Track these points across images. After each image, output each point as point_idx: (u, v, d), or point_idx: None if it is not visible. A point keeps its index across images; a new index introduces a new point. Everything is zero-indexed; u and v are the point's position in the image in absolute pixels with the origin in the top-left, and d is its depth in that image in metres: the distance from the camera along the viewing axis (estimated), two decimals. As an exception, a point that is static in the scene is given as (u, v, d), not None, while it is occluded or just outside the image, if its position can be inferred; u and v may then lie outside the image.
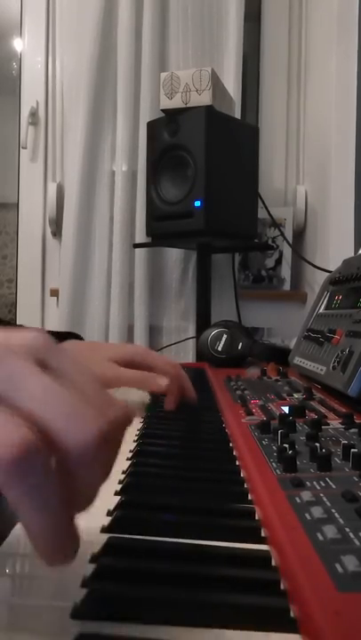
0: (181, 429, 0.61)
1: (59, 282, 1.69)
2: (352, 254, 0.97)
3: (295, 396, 0.70)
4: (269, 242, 1.72)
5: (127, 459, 0.49)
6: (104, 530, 0.35)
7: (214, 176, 1.29)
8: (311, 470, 0.40)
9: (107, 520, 0.36)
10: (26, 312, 1.83)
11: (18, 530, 0.35)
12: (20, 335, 0.26)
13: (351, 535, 0.29)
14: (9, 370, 0.23)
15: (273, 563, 0.30)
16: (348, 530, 0.30)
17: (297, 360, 0.86)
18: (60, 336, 0.80)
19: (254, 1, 1.78)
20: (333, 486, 0.37)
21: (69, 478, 0.23)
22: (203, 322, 1.43)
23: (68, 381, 0.25)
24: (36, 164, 1.83)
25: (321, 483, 0.37)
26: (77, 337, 0.83)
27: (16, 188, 1.85)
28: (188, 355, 1.63)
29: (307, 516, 0.32)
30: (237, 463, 0.47)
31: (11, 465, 0.21)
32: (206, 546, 0.32)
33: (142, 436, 0.56)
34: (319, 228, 1.62)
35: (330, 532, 0.30)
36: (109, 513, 0.37)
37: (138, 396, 0.76)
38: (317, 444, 0.44)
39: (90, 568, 0.30)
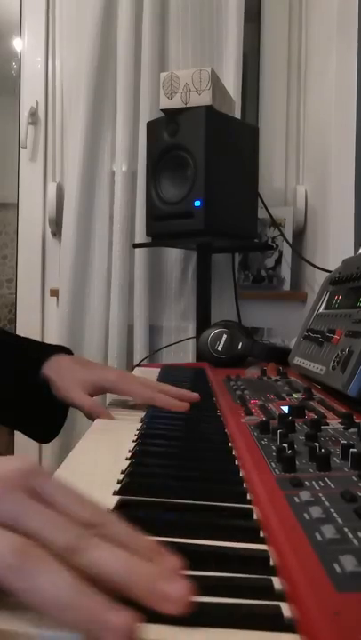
0: (181, 429, 0.61)
1: (58, 282, 1.69)
2: (352, 254, 0.97)
3: (295, 395, 0.70)
4: (269, 242, 1.72)
5: (126, 459, 0.49)
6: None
7: (214, 176, 1.29)
8: (310, 470, 0.40)
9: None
10: (26, 312, 1.83)
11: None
12: (7, 464, 0.30)
13: (350, 535, 0.29)
14: (10, 505, 0.28)
15: (271, 562, 0.30)
16: (346, 530, 0.30)
17: (297, 360, 0.86)
18: (50, 349, 0.83)
19: (254, 1, 1.78)
20: (332, 486, 0.37)
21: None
22: (203, 322, 1.43)
23: (58, 504, 0.30)
24: (35, 163, 1.83)
25: (320, 482, 0.37)
26: (66, 350, 0.85)
27: (16, 187, 1.85)
28: (187, 355, 1.63)
29: (305, 515, 0.32)
30: (236, 463, 0.47)
31: (9, 567, 0.25)
32: (205, 545, 0.32)
33: (142, 436, 0.56)
34: (319, 228, 1.62)
35: (328, 531, 0.30)
36: (108, 513, 0.37)
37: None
38: (317, 444, 0.44)
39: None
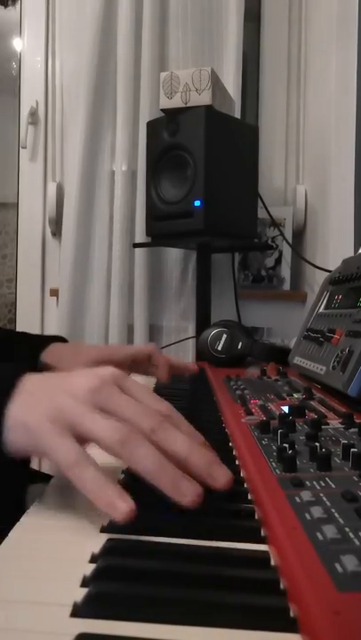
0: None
1: (58, 281, 1.69)
2: (352, 254, 0.97)
3: (295, 395, 0.70)
4: (269, 242, 1.72)
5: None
6: (104, 530, 0.35)
7: (214, 176, 1.29)
8: (311, 470, 0.40)
9: (106, 520, 0.36)
10: (26, 312, 1.83)
11: (17, 531, 0.35)
12: (103, 369, 0.43)
13: (351, 535, 0.29)
14: (107, 395, 0.40)
15: (272, 562, 0.30)
16: (347, 530, 0.30)
17: (297, 360, 0.86)
18: (46, 339, 0.84)
19: (254, 1, 1.78)
20: (333, 486, 0.37)
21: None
22: (202, 321, 1.43)
23: (136, 397, 0.42)
24: (35, 163, 1.83)
25: (321, 482, 0.37)
26: (62, 340, 0.86)
27: (16, 187, 1.85)
28: (187, 354, 1.63)
29: (306, 515, 0.32)
30: (237, 463, 0.47)
31: (125, 441, 0.37)
32: (206, 546, 0.32)
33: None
34: (319, 228, 1.62)
35: (330, 531, 0.30)
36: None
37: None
38: (317, 444, 0.44)
39: (90, 568, 0.30)
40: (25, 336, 0.91)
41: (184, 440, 0.39)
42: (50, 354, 0.79)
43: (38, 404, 0.40)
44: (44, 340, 0.82)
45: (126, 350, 0.80)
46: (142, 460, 0.37)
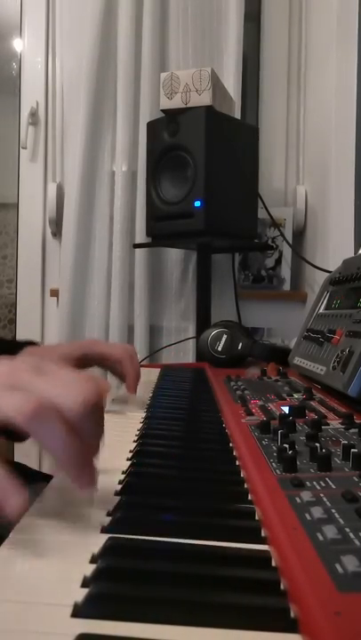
0: (181, 429, 0.61)
1: (59, 282, 1.69)
2: (352, 254, 0.97)
3: (295, 396, 0.70)
4: (269, 242, 1.72)
5: (127, 459, 0.49)
6: (104, 530, 0.35)
7: (214, 176, 1.29)
8: (311, 470, 0.40)
9: (107, 520, 0.36)
10: (26, 312, 1.83)
11: (17, 532, 0.35)
12: (22, 358, 0.41)
13: (351, 535, 0.29)
14: (19, 377, 0.38)
15: (273, 563, 0.30)
16: (348, 530, 0.30)
17: (297, 360, 0.86)
18: (18, 344, 0.82)
19: (254, 1, 1.78)
20: (333, 486, 0.37)
21: (78, 432, 0.36)
22: (203, 322, 1.43)
23: (56, 376, 0.39)
24: (35, 164, 1.82)
25: (321, 483, 0.37)
26: (34, 344, 0.85)
27: (16, 188, 1.85)
28: (188, 355, 1.63)
29: (307, 516, 0.32)
30: (237, 463, 0.47)
31: (33, 414, 0.34)
32: (206, 546, 0.32)
33: (142, 437, 0.56)
34: (319, 229, 1.62)
35: (330, 532, 0.30)
36: (109, 513, 0.37)
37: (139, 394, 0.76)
38: (317, 445, 0.44)
39: (90, 568, 0.30)
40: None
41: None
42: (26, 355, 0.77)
43: None
44: (16, 345, 0.81)
45: (101, 348, 0.78)
46: (50, 439, 0.35)
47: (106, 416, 0.64)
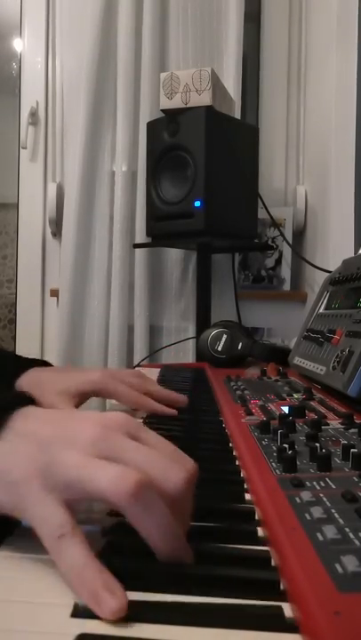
0: (181, 429, 0.61)
1: (59, 282, 1.69)
2: (352, 254, 0.97)
3: (295, 396, 0.70)
4: (269, 242, 1.72)
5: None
6: (104, 532, 0.35)
7: (214, 176, 1.29)
8: (311, 470, 0.40)
9: (107, 522, 0.36)
10: (26, 312, 1.83)
11: (18, 532, 0.35)
12: (111, 416, 0.36)
13: (351, 535, 0.29)
14: (113, 443, 0.33)
15: (273, 563, 0.30)
16: (348, 530, 0.30)
17: (297, 360, 0.86)
18: (27, 363, 0.76)
19: (254, 1, 1.78)
20: (333, 486, 0.37)
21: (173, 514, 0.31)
22: (203, 322, 1.43)
23: (152, 446, 0.35)
24: (35, 164, 1.83)
25: (321, 483, 0.37)
26: (45, 363, 0.78)
27: (16, 188, 1.85)
28: (187, 355, 1.63)
29: (307, 516, 0.32)
30: (237, 463, 0.47)
31: (134, 494, 0.29)
32: (206, 546, 0.32)
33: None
34: (319, 229, 1.62)
35: (330, 532, 0.30)
36: (110, 514, 0.37)
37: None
38: (317, 445, 0.44)
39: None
40: (4, 357, 0.80)
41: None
42: (28, 381, 0.70)
43: (27, 452, 0.33)
44: (22, 365, 0.74)
45: (114, 388, 0.69)
46: (150, 525, 0.30)
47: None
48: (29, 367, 0.72)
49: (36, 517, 0.30)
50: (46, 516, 0.30)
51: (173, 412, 0.67)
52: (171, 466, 0.32)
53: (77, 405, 0.68)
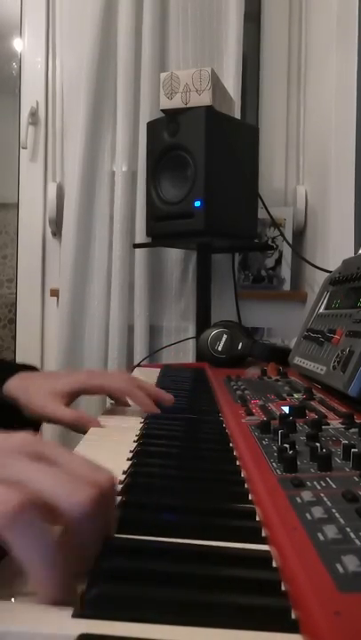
0: (181, 429, 0.61)
1: (59, 282, 1.69)
2: (352, 254, 0.97)
3: (295, 396, 0.70)
4: (269, 242, 1.72)
5: (127, 459, 0.49)
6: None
7: (214, 176, 1.29)
8: (312, 470, 0.40)
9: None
10: (26, 312, 1.83)
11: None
12: (15, 436, 0.34)
13: (352, 535, 0.29)
14: (9, 464, 0.31)
15: (274, 563, 0.30)
16: (348, 530, 0.30)
17: (297, 360, 0.86)
18: (15, 367, 0.76)
19: (254, 1, 1.78)
20: (334, 486, 0.37)
21: (74, 537, 0.29)
22: (203, 322, 1.43)
23: (59, 464, 0.33)
24: (35, 164, 1.82)
25: (321, 483, 0.37)
26: (33, 368, 0.79)
27: (16, 188, 1.85)
28: (188, 355, 1.63)
29: (307, 516, 0.32)
30: (238, 463, 0.47)
31: (10, 519, 0.26)
32: (206, 546, 0.32)
33: (142, 437, 0.56)
34: (319, 228, 1.62)
35: (330, 531, 0.30)
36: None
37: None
38: (318, 444, 0.44)
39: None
40: None
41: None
42: (17, 384, 0.71)
43: None
44: (9, 369, 0.74)
45: (100, 381, 0.72)
46: (24, 548, 0.27)
47: (107, 416, 0.63)
48: (16, 372, 0.73)
49: None
50: None
51: (156, 409, 0.68)
52: (73, 485, 0.30)
53: (67, 404, 0.69)
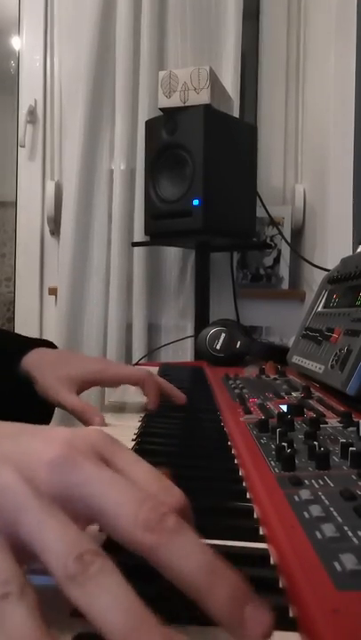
0: (180, 428, 0.61)
1: (57, 280, 1.69)
2: (350, 253, 0.97)
3: (293, 394, 0.70)
4: (268, 240, 1.72)
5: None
6: (102, 529, 0.35)
7: (213, 175, 1.29)
8: (310, 469, 0.40)
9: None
10: (24, 310, 1.83)
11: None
12: (82, 433, 0.30)
13: (350, 533, 0.29)
14: (75, 460, 0.27)
15: (271, 561, 0.31)
16: (346, 528, 0.30)
17: (295, 359, 0.86)
18: (31, 342, 0.77)
19: (253, -1, 1.78)
20: (332, 485, 0.37)
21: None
22: (201, 320, 1.43)
23: (126, 472, 0.28)
24: (34, 162, 1.82)
25: (319, 481, 0.37)
26: (50, 345, 0.79)
27: (14, 186, 1.85)
28: (186, 353, 1.63)
29: (305, 514, 0.32)
30: (236, 462, 0.47)
31: (71, 576, 0.22)
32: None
33: (141, 435, 0.56)
34: (318, 227, 1.62)
35: (328, 530, 0.30)
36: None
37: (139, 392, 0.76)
38: (316, 443, 0.44)
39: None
40: (8, 336, 0.82)
41: (201, 557, 0.24)
42: (33, 361, 0.71)
43: None
44: (28, 344, 0.75)
45: (115, 370, 0.72)
46: (103, 612, 0.22)
47: (105, 414, 0.63)
48: (34, 347, 0.73)
49: None
50: None
51: (182, 397, 0.69)
52: (139, 499, 0.25)
53: (79, 393, 0.69)
